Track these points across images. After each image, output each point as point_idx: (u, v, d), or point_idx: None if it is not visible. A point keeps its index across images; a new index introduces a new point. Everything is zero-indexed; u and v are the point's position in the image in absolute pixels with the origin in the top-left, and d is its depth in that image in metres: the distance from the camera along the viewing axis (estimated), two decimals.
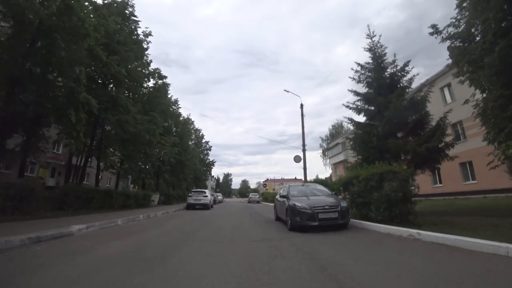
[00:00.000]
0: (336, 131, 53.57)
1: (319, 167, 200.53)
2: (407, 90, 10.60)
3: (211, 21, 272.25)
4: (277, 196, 9.39)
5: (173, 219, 10.78)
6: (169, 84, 18.70)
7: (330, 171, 54.54)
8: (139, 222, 9.28)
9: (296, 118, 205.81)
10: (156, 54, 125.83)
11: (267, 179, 37.01)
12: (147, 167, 18.97)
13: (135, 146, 15.14)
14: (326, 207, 6.19)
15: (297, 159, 19.43)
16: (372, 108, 10.63)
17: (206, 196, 17.83)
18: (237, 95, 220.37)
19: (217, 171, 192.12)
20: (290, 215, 6.63)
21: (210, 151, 40.87)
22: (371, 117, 10.69)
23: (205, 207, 17.51)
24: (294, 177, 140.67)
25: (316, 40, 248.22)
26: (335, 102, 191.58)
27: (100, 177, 17.34)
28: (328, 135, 54.91)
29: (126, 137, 14.11)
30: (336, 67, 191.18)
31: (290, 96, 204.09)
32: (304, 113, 21.01)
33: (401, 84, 10.39)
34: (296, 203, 6.47)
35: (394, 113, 9.06)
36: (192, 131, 39.90)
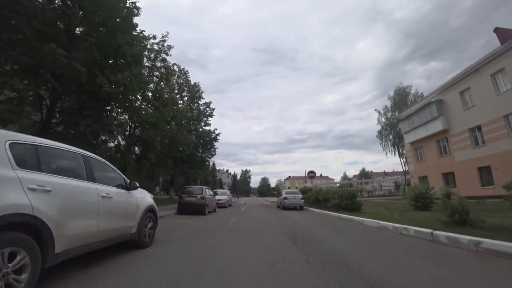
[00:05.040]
0: (402, 98, 35.27)
1: (338, 166, 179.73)
2: None
3: (229, 19, 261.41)
4: None
5: None
6: None
7: (401, 159, 36.32)
8: None
9: (315, 117, 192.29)
10: (175, 55, 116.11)
11: (311, 171, 19.69)
12: None
13: None
14: None
15: None
16: None
17: None
18: (255, 94, 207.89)
19: (236, 170, 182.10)
20: None
21: (211, 117, 24.77)
22: None
23: None
24: (319, 174, 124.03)
25: (336, 35, 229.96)
26: (357, 99, 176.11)
27: None
28: (390, 106, 36.74)
29: None
30: (357, 64, 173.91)
31: (309, 93, 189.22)
32: None
33: None
34: None
35: None
36: (182, 79, 24.52)
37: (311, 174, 18.86)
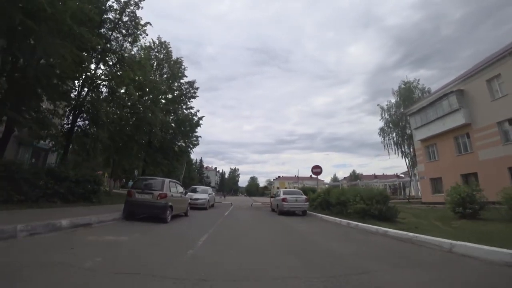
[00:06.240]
0: (409, 92, 32.09)
1: (326, 168, 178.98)
2: None
3: (224, 17, 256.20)
4: None
5: None
6: None
7: (406, 159, 33.09)
8: None
9: (305, 119, 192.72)
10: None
11: (317, 166, 15.39)
12: None
13: None
14: None
15: None
16: None
17: None
18: (248, 93, 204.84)
19: (224, 168, 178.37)
20: None
21: (194, 98, 20.50)
22: None
23: None
24: (309, 175, 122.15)
25: (329, 39, 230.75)
26: (347, 103, 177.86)
27: None
28: (395, 101, 33.44)
29: None
30: (349, 67, 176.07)
31: (301, 94, 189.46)
32: None
33: None
34: None
35: None
36: (163, 54, 20.58)
37: (317, 170, 14.88)
